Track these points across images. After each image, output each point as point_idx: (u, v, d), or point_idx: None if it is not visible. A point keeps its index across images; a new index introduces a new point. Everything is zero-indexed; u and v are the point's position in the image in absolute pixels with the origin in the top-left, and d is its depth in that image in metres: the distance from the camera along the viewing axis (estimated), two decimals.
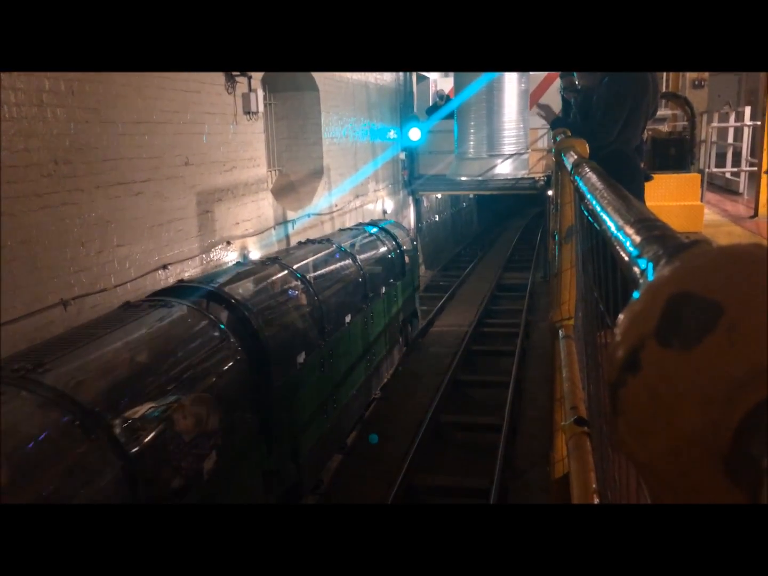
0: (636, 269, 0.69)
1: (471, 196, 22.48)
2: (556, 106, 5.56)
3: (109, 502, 3.26)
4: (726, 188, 11.32)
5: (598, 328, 1.71)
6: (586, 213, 1.64)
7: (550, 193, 10.48)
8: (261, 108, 8.08)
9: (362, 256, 8.35)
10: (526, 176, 13.75)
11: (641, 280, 0.64)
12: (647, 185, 4.70)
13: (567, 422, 2.22)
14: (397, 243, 9.89)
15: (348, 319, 7.32)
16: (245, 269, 6.44)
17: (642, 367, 0.43)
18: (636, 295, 0.49)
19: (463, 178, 13.89)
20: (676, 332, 0.41)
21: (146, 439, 3.68)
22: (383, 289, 8.74)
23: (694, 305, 0.41)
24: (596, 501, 1.74)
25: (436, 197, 17.99)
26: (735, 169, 11.11)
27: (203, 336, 4.78)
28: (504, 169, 13.38)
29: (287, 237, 9.08)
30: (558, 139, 4.00)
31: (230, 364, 4.79)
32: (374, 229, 9.77)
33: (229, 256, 7.50)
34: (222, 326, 4.99)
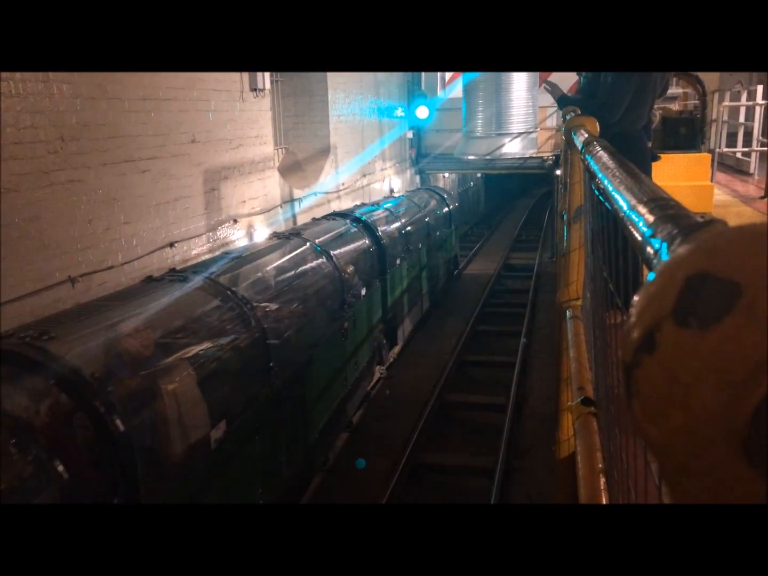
0: (649, 249, 0.68)
1: (478, 175, 22.35)
2: (565, 83, 5.50)
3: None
4: (737, 168, 11.21)
5: (607, 308, 1.70)
6: (596, 192, 1.62)
7: (558, 172, 10.41)
8: (267, 85, 8.02)
9: (428, 209, 11.86)
10: (534, 155, 13.65)
11: (655, 261, 0.63)
12: (656, 165, 4.66)
13: (574, 402, 2.22)
14: (446, 200, 13.22)
15: (420, 246, 10.70)
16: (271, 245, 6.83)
17: (658, 348, 0.42)
18: (651, 275, 0.49)
19: (471, 157, 13.81)
20: (694, 313, 0.41)
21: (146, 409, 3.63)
22: (438, 232, 12.06)
23: (712, 285, 0.41)
24: (602, 481, 1.74)
25: (444, 176, 17.88)
26: (746, 149, 10.99)
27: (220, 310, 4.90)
28: (512, 148, 13.29)
29: (294, 215, 9.06)
30: (568, 117, 3.96)
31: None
32: (428, 191, 13.38)
33: (236, 235, 7.50)
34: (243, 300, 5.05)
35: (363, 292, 7.57)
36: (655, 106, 5.05)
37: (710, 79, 11.29)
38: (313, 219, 8.85)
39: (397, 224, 9.73)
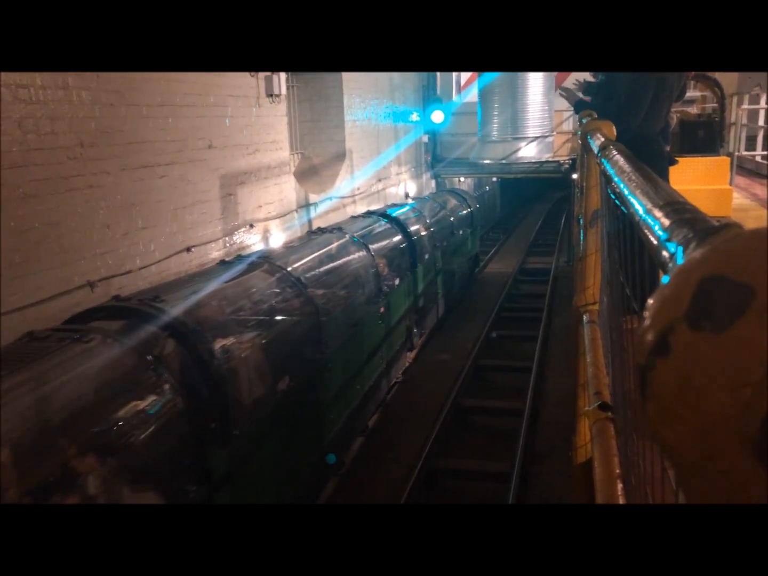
0: (665, 253, 0.68)
1: (494, 179, 22.30)
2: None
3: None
4: (756, 172, 11.09)
5: (624, 312, 1.69)
6: (612, 196, 1.62)
7: (575, 176, 10.37)
8: (284, 90, 8.07)
9: (451, 209, 12.67)
10: (550, 159, 13.59)
11: (670, 264, 0.63)
12: (674, 168, 4.63)
13: (591, 407, 2.21)
14: (468, 202, 14.12)
15: (444, 243, 11.30)
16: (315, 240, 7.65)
17: (672, 351, 0.42)
18: (666, 278, 0.49)
19: (487, 161, 13.78)
20: (707, 315, 0.41)
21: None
22: (461, 231, 12.92)
23: (726, 288, 0.41)
24: (619, 486, 1.73)
25: (459, 181, 17.86)
26: (766, 153, 10.88)
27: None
28: (528, 152, 13.25)
29: (309, 220, 9.10)
30: (584, 121, 3.95)
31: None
32: (451, 193, 14.30)
33: (252, 239, 7.54)
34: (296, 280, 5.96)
35: (396, 282, 8.42)
36: (673, 110, 5.02)
37: (728, 82, 11.20)
38: (352, 217, 9.85)
39: (424, 223, 10.49)
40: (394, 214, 9.77)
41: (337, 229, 8.10)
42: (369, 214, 9.92)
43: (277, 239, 7.83)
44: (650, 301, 0.46)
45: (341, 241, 7.59)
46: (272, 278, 5.79)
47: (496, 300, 12.84)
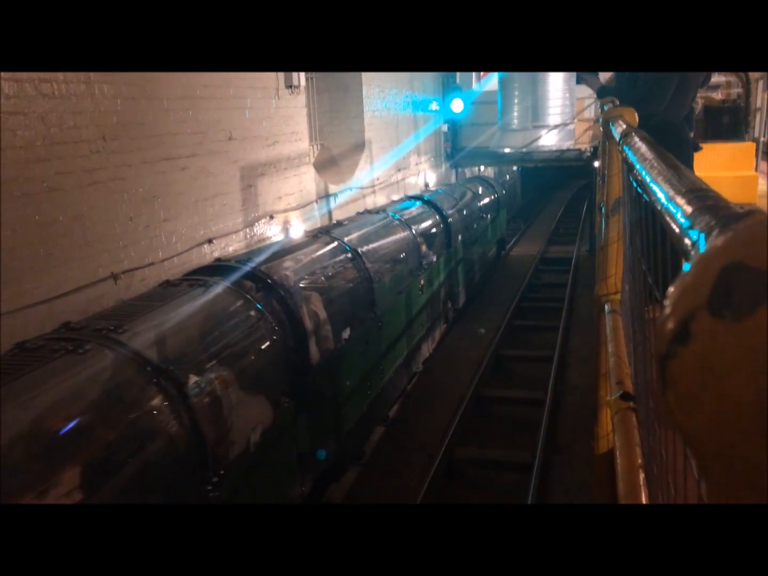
0: (687, 241, 0.67)
1: (515, 168, 22.13)
2: (602, 74, 5.41)
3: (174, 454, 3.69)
4: None
5: (646, 301, 1.68)
6: (634, 184, 1.60)
7: (596, 164, 10.26)
8: (303, 82, 8.08)
9: (480, 194, 13.36)
10: (571, 147, 13.46)
11: (692, 252, 0.63)
12: (698, 155, 4.56)
13: (613, 397, 2.19)
14: (495, 189, 14.77)
15: (475, 225, 12.29)
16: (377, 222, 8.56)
17: (693, 339, 0.42)
18: (687, 266, 0.48)
19: (507, 150, 13.68)
20: (728, 303, 0.41)
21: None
22: (489, 215, 13.67)
23: (747, 276, 0.40)
24: (641, 476, 1.72)
25: (480, 170, 17.75)
26: None
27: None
28: (549, 140, 13.14)
29: (329, 211, 9.11)
30: (606, 108, 3.91)
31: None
32: (479, 179, 15.17)
33: (272, 230, 7.58)
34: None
35: (434, 259, 9.30)
36: (697, 95, 4.94)
37: None
38: (392, 200, 11.00)
39: (457, 207, 11.25)
40: (430, 199, 10.59)
41: (382, 210, 9.20)
42: (408, 197, 10.84)
43: (298, 230, 7.86)
44: (671, 289, 0.46)
45: (386, 221, 8.62)
46: (334, 248, 6.89)
47: (517, 290, 12.78)
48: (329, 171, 9.68)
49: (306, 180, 8.49)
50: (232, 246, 6.75)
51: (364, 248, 7.22)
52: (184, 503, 3.67)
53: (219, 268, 5.57)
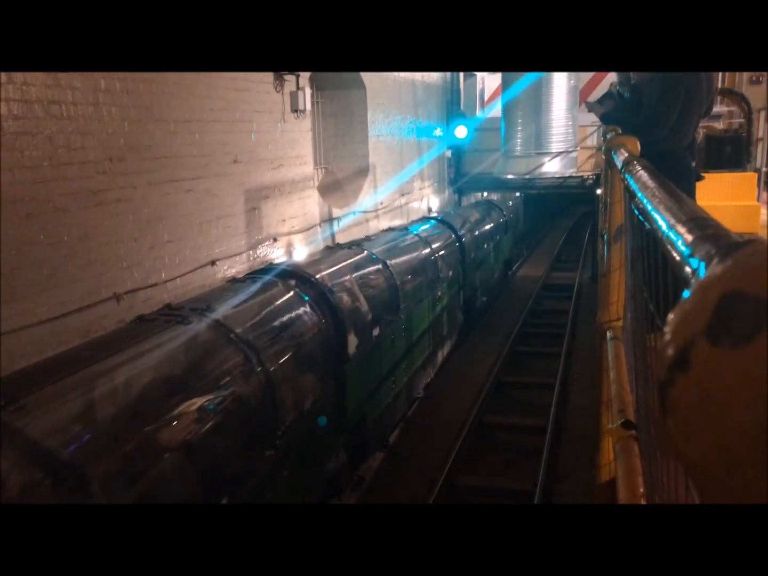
0: (687, 269, 0.68)
1: (517, 194, 22.23)
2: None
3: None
4: None
5: (648, 329, 1.68)
6: (636, 212, 1.61)
7: (599, 192, 10.31)
8: (308, 106, 8.16)
9: (489, 217, 14.53)
10: (574, 175, 13.53)
11: (693, 280, 0.63)
12: (701, 184, 4.58)
13: (614, 425, 2.18)
14: (503, 212, 16.06)
15: (485, 246, 13.34)
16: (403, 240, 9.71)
17: (692, 366, 0.42)
18: (686, 293, 0.49)
19: (510, 177, 13.76)
20: (727, 330, 0.41)
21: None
22: (497, 237, 14.75)
23: (746, 304, 0.41)
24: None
25: (483, 196, 17.84)
26: None
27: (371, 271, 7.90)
28: (552, 167, 13.22)
29: (332, 235, 9.15)
30: (608, 136, 3.94)
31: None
32: (487, 203, 16.21)
33: (275, 253, 7.60)
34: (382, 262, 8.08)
35: (450, 273, 10.38)
36: (699, 125, 4.98)
37: (756, 97, 11.07)
38: (412, 221, 11.82)
39: (469, 227, 12.35)
40: (444, 219, 11.72)
41: (404, 228, 10.27)
42: (425, 218, 12.05)
43: (300, 253, 7.89)
44: (671, 316, 0.47)
45: (407, 236, 9.73)
46: (365, 258, 7.92)
47: (518, 316, 12.76)
48: (333, 195, 9.74)
49: (310, 203, 8.54)
50: (235, 267, 6.77)
51: (391, 260, 8.27)
52: (258, 444, 4.78)
53: (271, 269, 6.72)
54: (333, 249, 8.28)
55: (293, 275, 6.46)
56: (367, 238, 9.21)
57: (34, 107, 4.38)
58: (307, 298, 6.15)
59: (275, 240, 7.60)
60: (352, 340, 6.55)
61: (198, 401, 4.24)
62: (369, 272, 7.62)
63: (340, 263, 7.40)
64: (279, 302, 5.90)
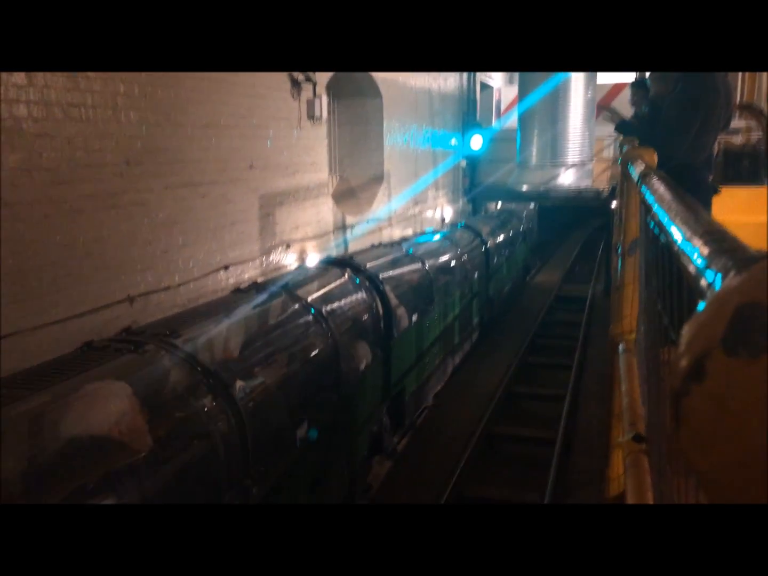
0: (703, 281, 0.67)
1: (531, 206, 22.16)
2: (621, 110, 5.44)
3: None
4: None
5: (661, 343, 1.66)
6: (652, 224, 1.60)
7: (614, 204, 10.26)
8: (325, 114, 8.19)
9: (510, 225, 15.65)
10: (589, 187, 13.48)
11: (709, 293, 0.63)
12: (717, 198, 4.56)
13: (625, 438, 2.16)
14: (522, 220, 17.41)
15: (506, 251, 14.39)
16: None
17: (707, 376, 0.42)
18: (702, 305, 0.48)
19: (525, 188, 13.73)
20: (744, 341, 0.40)
21: None
22: (517, 243, 15.91)
23: (763, 315, 0.40)
24: None
25: (496, 205, 17.82)
26: None
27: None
28: (567, 178, 13.17)
29: (345, 242, 9.16)
30: (625, 148, 3.93)
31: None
32: (507, 212, 17.09)
33: (288, 259, 7.62)
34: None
35: (476, 275, 11.49)
36: (717, 139, 4.95)
37: None
38: (445, 227, 12.92)
39: (492, 232, 13.30)
40: (471, 226, 12.70)
41: (436, 233, 11.63)
42: (451, 225, 12.94)
43: (313, 260, 7.91)
44: (686, 327, 0.46)
45: (439, 239, 11.01)
46: (404, 255, 9.07)
47: (531, 328, 12.71)
48: (347, 202, 9.75)
49: (324, 210, 8.57)
50: (247, 273, 6.79)
51: (426, 258, 9.26)
52: (327, 390, 5.89)
53: (328, 259, 7.95)
54: (377, 247, 9.46)
55: (347, 264, 7.63)
56: (404, 239, 10.56)
57: (53, 110, 4.43)
58: (358, 281, 7.28)
59: (288, 246, 7.62)
60: (396, 322, 7.62)
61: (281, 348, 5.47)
62: (409, 267, 8.74)
63: (384, 257, 8.57)
64: (338, 282, 7.13)
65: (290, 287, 6.34)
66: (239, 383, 4.50)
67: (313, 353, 5.81)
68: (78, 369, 3.85)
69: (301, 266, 7.61)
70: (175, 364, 4.24)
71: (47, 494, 2.96)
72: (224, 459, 4.10)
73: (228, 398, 4.30)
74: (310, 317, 6.04)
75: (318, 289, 6.65)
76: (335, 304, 6.56)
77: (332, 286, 6.93)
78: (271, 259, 7.28)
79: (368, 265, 7.74)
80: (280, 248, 7.46)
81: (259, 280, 6.83)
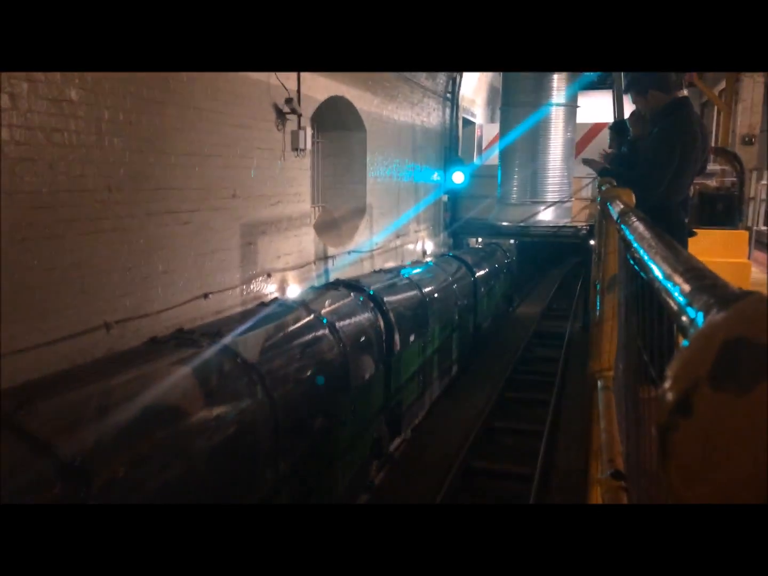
0: (685, 318, 0.68)
1: (511, 241, 22.38)
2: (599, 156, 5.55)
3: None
4: None
5: (641, 379, 1.68)
6: (632, 262, 1.63)
7: (592, 242, 10.41)
8: (309, 145, 8.26)
9: (495, 257, 16.80)
10: (568, 224, 13.67)
11: (691, 329, 0.63)
12: (692, 240, 4.63)
13: (603, 475, 2.16)
14: (506, 253, 18.21)
15: (492, 283, 15.23)
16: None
17: (694, 411, 0.42)
18: (686, 342, 0.49)
19: (505, 224, 13.89)
20: (731, 376, 0.41)
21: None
22: (501, 275, 16.77)
23: (749, 351, 0.41)
24: None
25: (477, 241, 18.00)
26: None
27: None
28: (546, 216, 13.36)
29: (326, 272, 9.17)
30: (603, 188, 4.00)
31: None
32: (494, 245, 18.03)
33: (268, 288, 7.60)
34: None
35: (465, 302, 12.35)
36: (693, 182, 5.06)
37: (748, 157, 11.30)
38: (435, 257, 13.71)
39: (480, 264, 14.22)
40: (459, 257, 13.59)
41: (427, 263, 12.46)
42: (445, 255, 14.05)
43: (294, 290, 7.90)
44: (672, 362, 0.47)
45: (431, 268, 11.80)
46: (402, 280, 9.84)
47: (510, 362, 12.73)
48: (329, 233, 9.79)
49: (306, 241, 8.58)
50: (228, 301, 6.75)
51: (422, 285, 10.09)
52: (336, 398, 6.61)
53: (336, 282, 8.70)
54: (378, 272, 10.35)
55: (354, 286, 8.43)
56: (402, 266, 11.50)
57: (36, 134, 4.42)
58: (362, 300, 8.06)
59: (269, 275, 7.60)
60: (397, 339, 8.43)
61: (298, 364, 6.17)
62: (407, 291, 9.55)
63: (385, 281, 9.35)
64: (346, 301, 7.86)
65: (306, 302, 7.21)
66: (270, 375, 5.45)
67: (328, 358, 6.61)
68: (151, 357, 4.95)
69: (312, 286, 8.34)
70: (224, 357, 5.22)
71: (140, 440, 4.08)
72: (261, 432, 5.14)
73: (263, 385, 5.30)
74: (326, 329, 6.87)
75: (330, 305, 7.48)
76: (345, 321, 7.37)
77: (341, 303, 7.70)
78: (252, 287, 7.25)
79: (372, 287, 8.51)
80: (261, 277, 7.44)
81: (250, 306, 7.16)
